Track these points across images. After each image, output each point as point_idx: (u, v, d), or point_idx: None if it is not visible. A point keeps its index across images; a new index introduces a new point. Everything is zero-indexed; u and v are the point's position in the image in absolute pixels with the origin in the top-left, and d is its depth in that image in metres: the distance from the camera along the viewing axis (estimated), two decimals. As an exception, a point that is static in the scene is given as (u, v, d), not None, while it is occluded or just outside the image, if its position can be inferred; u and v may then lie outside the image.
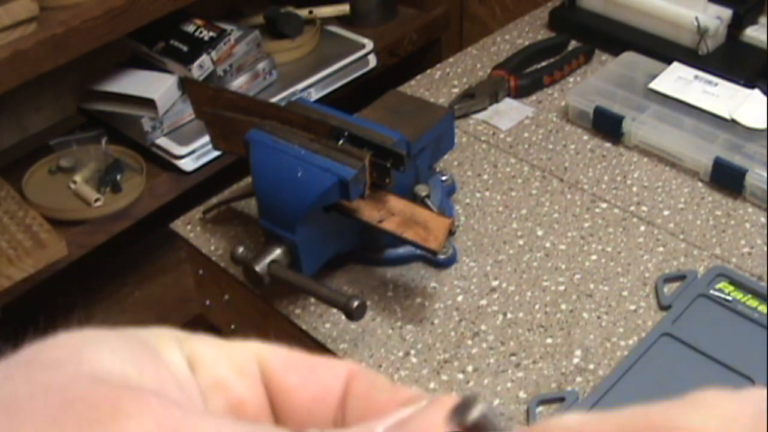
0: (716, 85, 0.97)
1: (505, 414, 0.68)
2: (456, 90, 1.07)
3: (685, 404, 0.18)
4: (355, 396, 0.22)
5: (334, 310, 0.76)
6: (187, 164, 1.28)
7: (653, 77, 1.00)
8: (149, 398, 0.18)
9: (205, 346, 0.22)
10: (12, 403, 0.18)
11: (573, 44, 1.13)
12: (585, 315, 0.76)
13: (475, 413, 0.19)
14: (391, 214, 0.74)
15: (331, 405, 0.22)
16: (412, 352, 0.74)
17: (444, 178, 0.89)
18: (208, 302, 0.92)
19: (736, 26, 1.07)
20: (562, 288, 0.79)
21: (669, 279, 0.79)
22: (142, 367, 0.20)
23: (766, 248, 0.82)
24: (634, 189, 0.90)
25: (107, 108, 1.30)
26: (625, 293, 0.78)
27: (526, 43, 1.14)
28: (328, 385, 0.22)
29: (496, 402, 0.69)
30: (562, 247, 0.83)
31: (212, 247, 0.87)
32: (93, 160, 1.28)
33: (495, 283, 0.80)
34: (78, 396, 0.18)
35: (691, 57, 1.05)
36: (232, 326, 0.91)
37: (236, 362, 0.22)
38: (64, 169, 1.29)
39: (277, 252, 0.73)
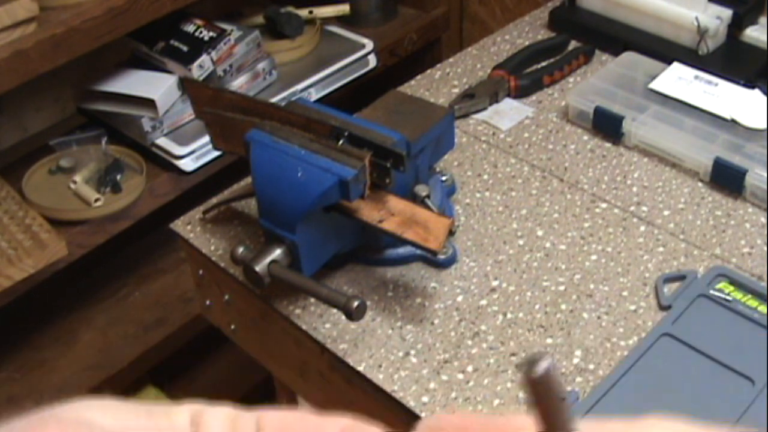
0: (716, 85, 0.97)
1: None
2: (456, 90, 1.07)
3: (635, 425, 0.20)
4: None
5: (334, 310, 0.76)
6: (187, 164, 1.28)
7: (653, 77, 1.00)
8: None
9: (217, 412, 0.24)
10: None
11: (573, 44, 1.13)
12: (585, 315, 0.76)
13: (542, 366, 0.20)
14: (391, 214, 0.74)
15: None
16: (412, 352, 0.74)
17: (444, 178, 0.89)
18: (208, 302, 0.92)
19: (736, 26, 1.07)
20: (562, 288, 0.79)
21: (669, 279, 0.79)
22: (139, 422, 0.23)
23: (766, 248, 0.82)
24: (634, 189, 0.90)
25: (107, 108, 1.30)
26: (625, 293, 0.78)
27: (526, 43, 1.14)
28: None
29: (496, 402, 0.69)
30: (562, 247, 0.83)
31: (212, 247, 0.87)
32: (93, 160, 1.28)
33: (495, 283, 0.80)
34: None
35: (691, 57, 1.05)
36: (232, 326, 0.91)
37: (238, 426, 0.24)
38: (64, 169, 1.29)
39: (277, 252, 0.73)
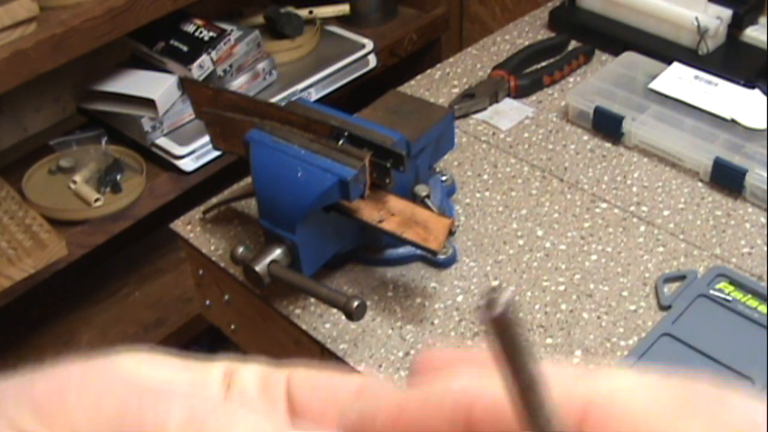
0: (716, 85, 0.97)
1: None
2: (456, 90, 1.07)
3: (591, 372, 0.21)
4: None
5: (334, 310, 0.76)
6: (187, 164, 1.28)
7: (653, 77, 1.00)
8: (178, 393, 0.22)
9: (249, 370, 0.25)
10: (64, 383, 0.23)
11: (573, 44, 1.13)
12: (585, 315, 0.76)
13: (503, 301, 0.20)
14: (391, 214, 0.74)
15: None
16: (412, 352, 0.74)
17: (444, 178, 0.89)
18: (208, 302, 0.92)
19: (736, 26, 1.07)
20: (562, 288, 0.79)
21: (669, 279, 0.79)
22: (175, 376, 0.24)
23: (766, 248, 0.82)
24: (634, 189, 0.90)
25: (107, 108, 1.30)
26: (625, 293, 0.78)
27: (526, 43, 1.14)
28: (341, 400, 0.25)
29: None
30: (562, 247, 0.83)
31: (212, 247, 0.87)
32: (93, 160, 1.28)
33: (495, 283, 0.80)
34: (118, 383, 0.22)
35: (691, 57, 1.05)
36: (232, 326, 0.91)
37: (268, 384, 0.25)
38: (64, 169, 1.29)
39: (277, 252, 0.73)
